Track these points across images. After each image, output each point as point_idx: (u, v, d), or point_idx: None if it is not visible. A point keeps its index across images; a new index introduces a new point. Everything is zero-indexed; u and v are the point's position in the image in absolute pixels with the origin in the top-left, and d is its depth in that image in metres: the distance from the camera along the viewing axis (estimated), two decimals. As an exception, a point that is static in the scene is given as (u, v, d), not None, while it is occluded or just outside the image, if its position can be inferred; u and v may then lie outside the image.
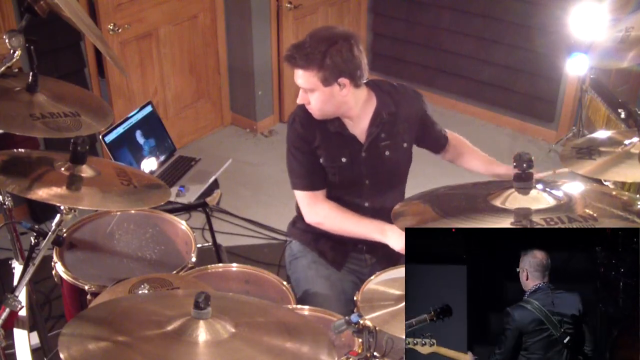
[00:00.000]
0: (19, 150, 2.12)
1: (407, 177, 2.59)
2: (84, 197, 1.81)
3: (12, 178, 1.80)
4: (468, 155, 2.67)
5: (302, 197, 2.47)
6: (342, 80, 2.29)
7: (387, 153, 2.44)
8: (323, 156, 2.42)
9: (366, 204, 2.48)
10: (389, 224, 2.33)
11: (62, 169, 1.87)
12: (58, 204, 1.80)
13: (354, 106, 2.38)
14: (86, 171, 1.87)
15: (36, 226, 1.94)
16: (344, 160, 2.42)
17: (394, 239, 2.32)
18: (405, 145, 2.48)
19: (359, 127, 2.43)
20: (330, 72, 2.27)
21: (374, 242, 2.38)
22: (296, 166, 2.45)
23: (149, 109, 3.60)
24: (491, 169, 2.60)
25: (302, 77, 2.31)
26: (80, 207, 1.85)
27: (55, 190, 1.78)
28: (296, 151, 2.44)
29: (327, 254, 2.54)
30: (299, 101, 2.37)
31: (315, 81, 2.29)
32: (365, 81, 2.38)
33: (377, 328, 1.81)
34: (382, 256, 2.49)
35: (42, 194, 1.75)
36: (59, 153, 1.96)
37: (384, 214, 2.37)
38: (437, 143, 2.64)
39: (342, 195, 2.47)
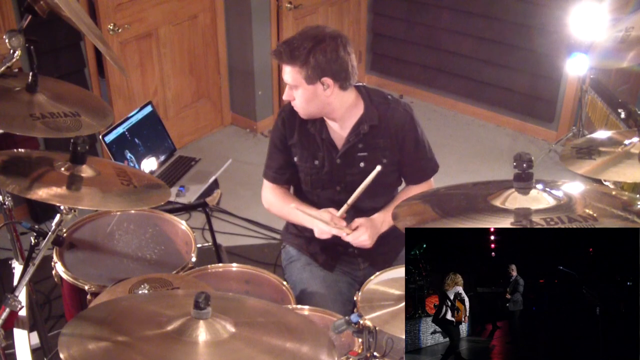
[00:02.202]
0: (19, 150, 2.12)
1: (392, 194, 2.54)
2: (84, 197, 1.81)
3: (12, 178, 1.80)
4: None
5: (264, 184, 2.60)
6: (326, 80, 2.29)
7: (362, 164, 2.41)
8: (297, 155, 2.47)
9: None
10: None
11: (62, 169, 1.86)
12: (58, 204, 1.80)
13: (338, 108, 2.37)
14: (86, 171, 1.87)
15: (36, 226, 1.93)
16: (316, 162, 2.44)
17: (317, 229, 2.37)
18: (384, 161, 2.41)
19: (340, 132, 2.42)
20: (313, 70, 2.27)
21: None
22: (270, 158, 2.56)
23: (149, 109, 3.60)
24: None
25: (288, 73, 2.33)
26: (80, 207, 1.84)
27: (55, 190, 1.78)
28: (273, 147, 2.52)
29: (318, 256, 2.55)
30: (284, 97, 2.40)
31: (298, 78, 2.30)
32: (354, 84, 2.37)
33: (377, 328, 1.82)
34: (376, 260, 2.48)
35: (42, 194, 1.75)
36: (59, 153, 1.95)
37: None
38: (422, 173, 2.50)
39: (312, 197, 2.50)
